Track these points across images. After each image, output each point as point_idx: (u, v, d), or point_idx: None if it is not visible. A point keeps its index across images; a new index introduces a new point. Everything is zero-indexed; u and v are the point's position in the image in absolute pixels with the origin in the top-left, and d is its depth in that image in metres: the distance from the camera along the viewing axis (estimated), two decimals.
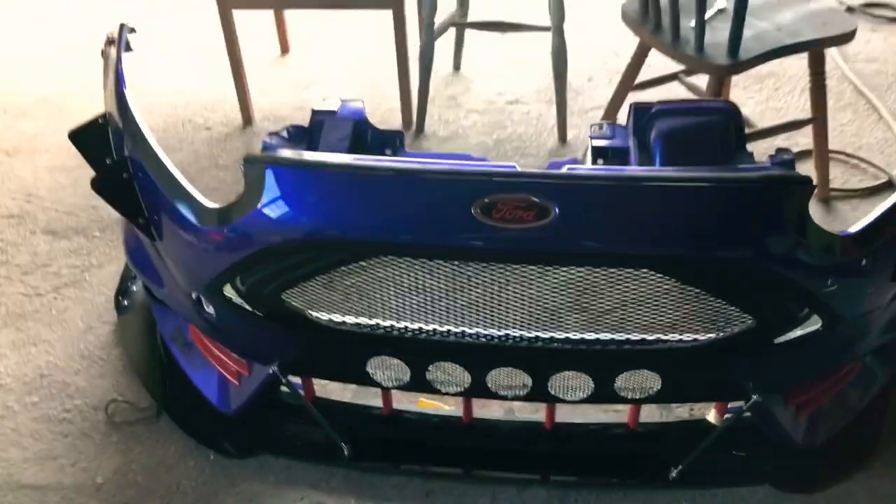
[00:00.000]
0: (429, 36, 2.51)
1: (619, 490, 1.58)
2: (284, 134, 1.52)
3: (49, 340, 1.95)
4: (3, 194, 2.44)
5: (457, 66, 3.00)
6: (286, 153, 1.41)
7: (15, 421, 1.75)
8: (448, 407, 1.72)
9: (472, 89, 2.90)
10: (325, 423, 1.59)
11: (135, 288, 2.04)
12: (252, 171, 1.33)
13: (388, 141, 1.55)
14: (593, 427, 1.67)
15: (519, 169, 1.28)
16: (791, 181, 1.27)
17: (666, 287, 1.33)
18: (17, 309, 2.04)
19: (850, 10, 3.29)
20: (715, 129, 1.42)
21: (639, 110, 1.47)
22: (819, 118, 2.16)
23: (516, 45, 3.10)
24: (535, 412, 1.68)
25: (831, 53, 2.98)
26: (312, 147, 1.51)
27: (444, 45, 2.90)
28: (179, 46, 3.19)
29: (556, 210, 1.21)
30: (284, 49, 3.12)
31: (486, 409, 1.70)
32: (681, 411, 1.72)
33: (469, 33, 2.93)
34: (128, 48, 1.72)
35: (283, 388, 1.65)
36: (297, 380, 1.63)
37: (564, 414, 1.65)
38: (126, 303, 2.01)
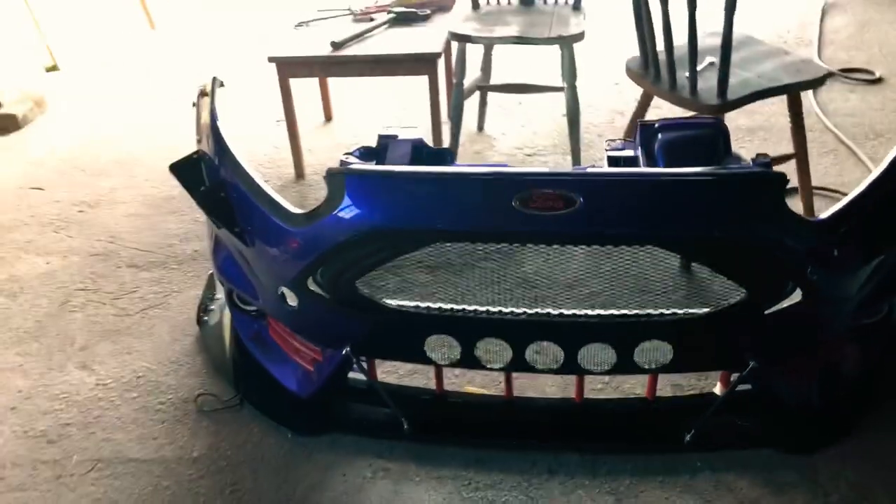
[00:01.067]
0: (458, 97, 2.89)
1: (641, 454, 1.83)
2: (356, 153, 1.86)
3: (141, 350, 2.24)
4: (89, 237, 2.79)
5: (480, 127, 3.38)
6: (361, 165, 1.75)
7: (118, 412, 2.04)
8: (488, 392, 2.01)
9: (495, 146, 3.27)
10: (390, 401, 1.87)
11: (213, 307, 2.35)
12: (334, 181, 1.66)
13: (440, 156, 1.88)
14: (617, 400, 1.94)
15: (549, 169, 1.61)
16: (768, 176, 1.60)
17: (672, 264, 1.65)
18: (111, 327, 2.34)
19: (830, 74, 3.68)
20: (706, 138, 1.75)
21: (644, 126, 1.81)
22: (800, 154, 2.49)
23: (531, 107, 3.50)
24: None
25: (815, 110, 3.35)
26: (380, 163, 1.84)
27: (468, 109, 3.29)
28: (232, 114, 3.59)
29: (581, 200, 1.53)
30: (328, 117, 3.52)
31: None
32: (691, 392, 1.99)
33: (490, 96, 3.33)
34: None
35: (350, 375, 1.95)
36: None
37: (589, 395, 1.94)
38: (206, 318, 2.32)
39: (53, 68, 4.26)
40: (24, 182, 3.20)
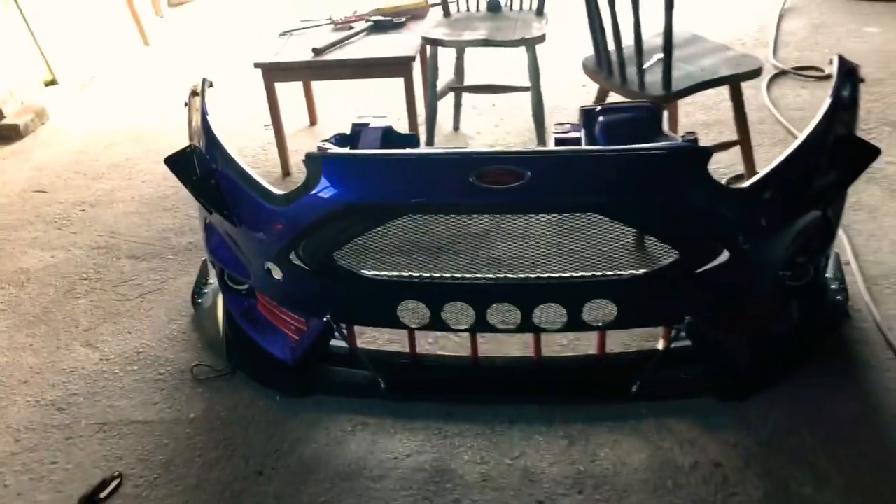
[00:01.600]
0: (433, 97, 3.12)
1: (594, 403, 2.04)
2: (333, 140, 2.08)
3: (140, 330, 2.45)
4: (90, 233, 3.00)
5: (456, 127, 3.61)
6: (336, 149, 1.97)
7: (122, 382, 2.24)
8: None
9: (470, 144, 3.49)
10: (369, 363, 2.07)
11: (206, 290, 2.56)
12: (312, 164, 1.88)
13: (407, 141, 2.11)
14: (571, 357, 2.16)
15: (501, 149, 1.83)
16: (692, 150, 1.82)
17: (613, 229, 1.86)
18: (113, 310, 2.55)
19: (783, 72, 3.93)
20: (641, 119, 1.98)
21: (586, 110, 2.03)
22: (744, 140, 2.72)
23: (504, 108, 3.73)
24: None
25: (767, 104, 3.59)
26: (353, 147, 2.06)
27: (445, 111, 3.52)
28: (221, 119, 3.81)
29: (528, 174, 1.75)
30: (313, 120, 3.75)
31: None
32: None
33: (466, 98, 3.56)
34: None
35: (332, 343, 2.16)
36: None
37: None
38: (200, 300, 2.52)
39: (52, 82, 4.47)
40: (27, 185, 3.42)
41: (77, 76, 4.57)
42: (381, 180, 1.85)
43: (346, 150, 2.01)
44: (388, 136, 2.06)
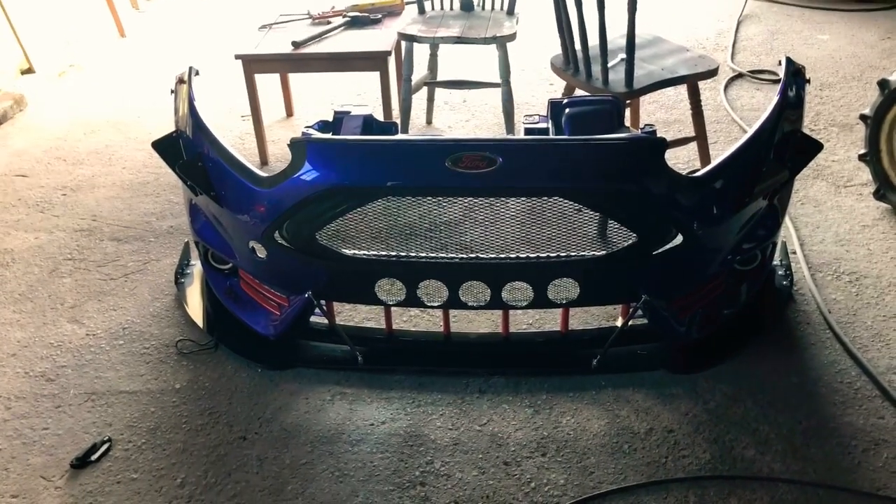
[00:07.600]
0: (407, 91, 3.25)
1: (556, 376, 2.19)
2: (316, 126, 2.20)
3: (125, 307, 2.55)
4: (72, 217, 3.07)
5: (429, 121, 3.74)
6: (320, 135, 2.09)
7: (109, 356, 2.33)
8: None
9: (442, 136, 3.63)
10: (347, 338, 2.20)
11: (188, 271, 2.66)
12: (297, 149, 2.00)
13: (386, 128, 2.24)
14: (536, 333, 2.31)
15: (475, 136, 1.97)
16: (650, 140, 1.97)
17: (576, 214, 2.01)
18: (97, 289, 2.64)
19: (740, 75, 4.14)
20: (603, 112, 2.13)
21: (553, 103, 2.18)
22: (700, 136, 2.90)
23: (475, 103, 3.88)
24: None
25: (724, 104, 3.79)
26: (335, 134, 2.19)
27: (418, 106, 3.66)
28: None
29: (500, 160, 1.89)
30: (289, 112, 3.86)
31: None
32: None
33: (438, 94, 3.69)
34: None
35: (312, 319, 2.28)
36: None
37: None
38: (183, 280, 2.63)
39: (29, 70, 4.52)
40: (7, 170, 3.47)
41: (54, 65, 4.61)
42: (363, 164, 1.98)
43: (329, 135, 2.14)
44: (369, 124, 2.18)
